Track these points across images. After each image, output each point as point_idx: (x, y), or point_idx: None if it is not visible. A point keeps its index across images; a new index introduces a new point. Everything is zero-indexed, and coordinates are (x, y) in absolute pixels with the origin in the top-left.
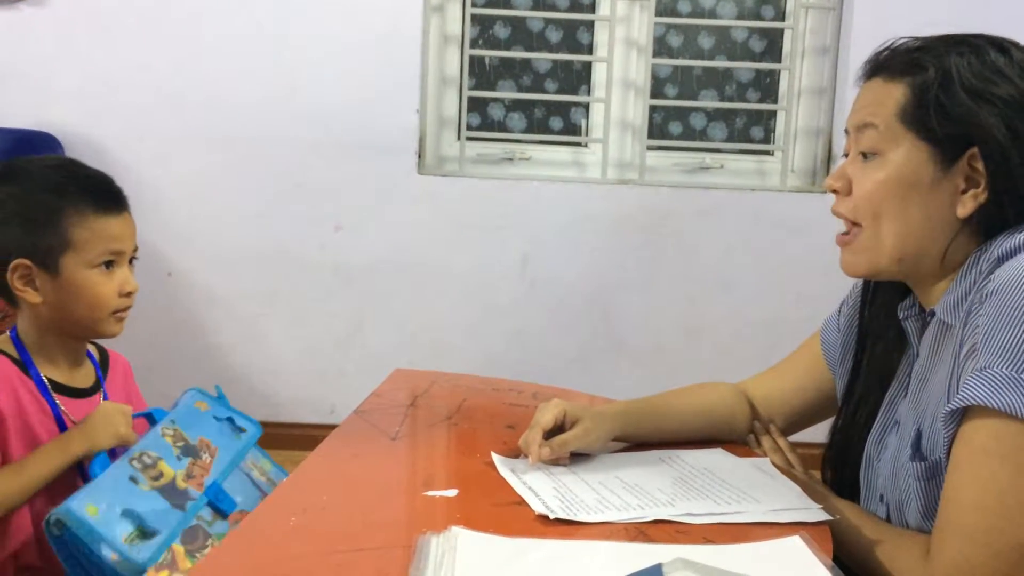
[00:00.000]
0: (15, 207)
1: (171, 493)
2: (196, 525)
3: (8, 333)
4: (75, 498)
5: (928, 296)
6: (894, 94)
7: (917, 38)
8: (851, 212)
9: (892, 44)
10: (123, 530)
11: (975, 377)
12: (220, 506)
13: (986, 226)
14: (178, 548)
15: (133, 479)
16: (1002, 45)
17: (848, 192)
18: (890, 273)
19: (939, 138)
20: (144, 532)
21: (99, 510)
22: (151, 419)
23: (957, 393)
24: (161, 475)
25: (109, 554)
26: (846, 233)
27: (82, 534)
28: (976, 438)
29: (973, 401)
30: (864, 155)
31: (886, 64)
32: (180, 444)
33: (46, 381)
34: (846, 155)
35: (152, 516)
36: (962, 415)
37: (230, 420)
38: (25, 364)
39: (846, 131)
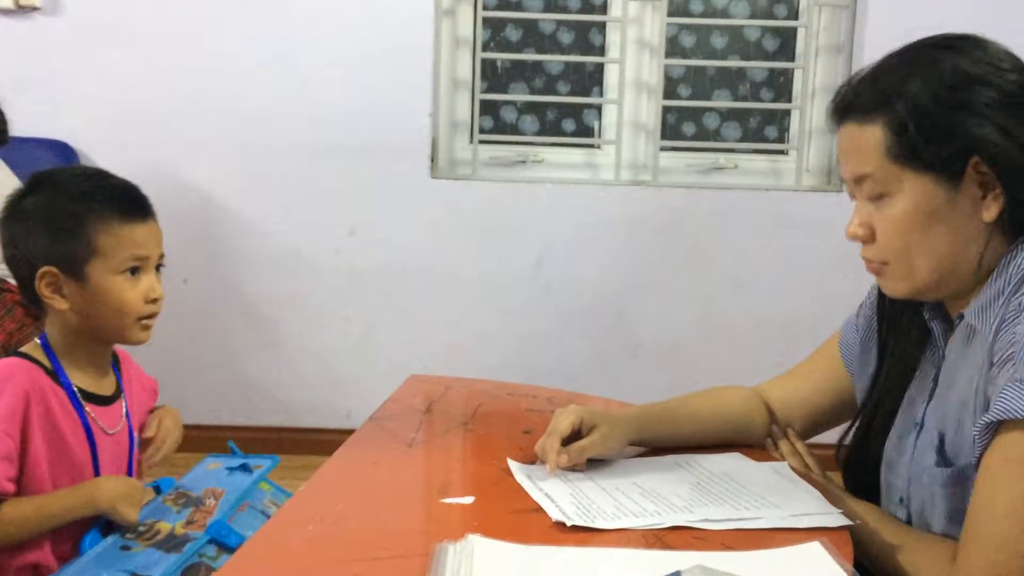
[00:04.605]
0: (42, 216)
1: (167, 542)
2: (198, 563)
3: (39, 340)
4: (61, 573)
5: (956, 303)
6: (873, 138)
7: (871, 67)
8: (878, 255)
9: (851, 80)
10: None
11: (1014, 388)
12: (225, 542)
13: (1014, 225)
14: None
15: (125, 547)
16: (950, 45)
17: (872, 239)
18: (931, 294)
19: (936, 164)
20: None
21: None
22: (158, 490)
23: (990, 402)
24: (158, 532)
25: None
26: (872, 263)
27: None
28: (1013, 448)
29: (1013, 414)
30: (871, 198)
31: (853, 105)
32: (181, 501)
33: (76, 390)
34: (852, 197)
35: (144, 566)
36: (998, 425)
37: (243, 466)
38: (56, 372)
39: (842, 179)
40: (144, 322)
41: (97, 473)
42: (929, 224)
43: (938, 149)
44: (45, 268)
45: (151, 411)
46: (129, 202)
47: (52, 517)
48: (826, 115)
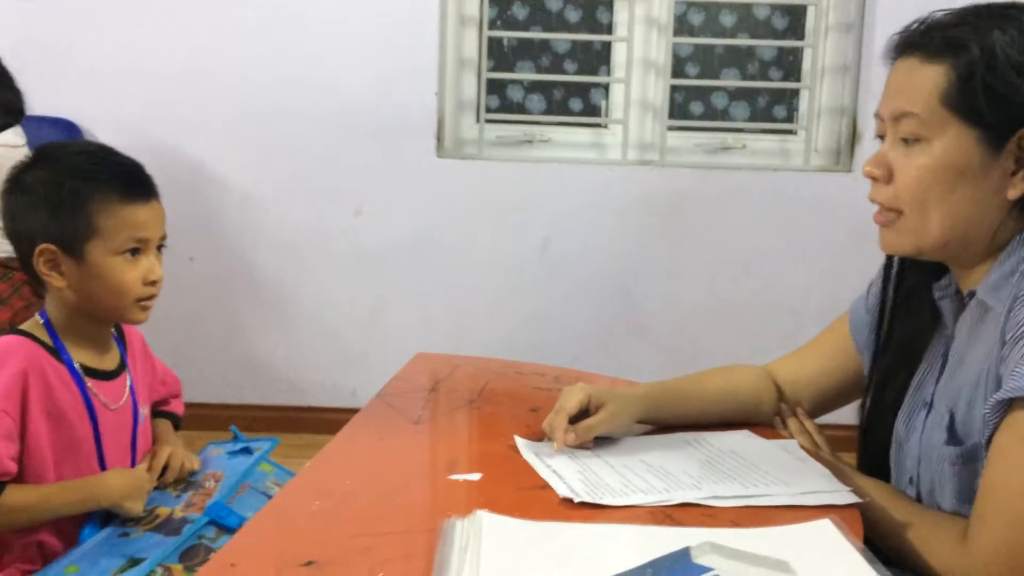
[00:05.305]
0: (43, 192)
1: (166, 525)
2: (197, 544)
3: (39, 316)
4: (57, 563)
5: (967, 277)
6: (934, 77)
7: (951, 12)
8: (891, 200)
9: (926, 19)
10: (111, 567)
11: None
12: (225, 523)
13: None
14: (176, 567)
15: (124, 534)
16: None
17: (888, 180)
18: (933, 254)
19: (988, 121)
20: (135, 561)
21: (79, 568)
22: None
23: (1003, 380)
24: (157, 517)
25: None
26: (884, 213)
27: None
28: None
29: None
30: (905, 140)
31: (922, 42)
32: (181, 486)
33: (78, 366)
34: (880, 137)
35: (143, 549)
36: (1010, 403)
37: (245, 449)
38: (57, 349)
39: (878, 116)
40: (143, 303)
41: (99, 447)
42: (955, 182)
43: (995, 108)
44: (43, 245)
45: (160, 401)
46: (132, 182)
47: (54, 510)
48: (888, 45)
